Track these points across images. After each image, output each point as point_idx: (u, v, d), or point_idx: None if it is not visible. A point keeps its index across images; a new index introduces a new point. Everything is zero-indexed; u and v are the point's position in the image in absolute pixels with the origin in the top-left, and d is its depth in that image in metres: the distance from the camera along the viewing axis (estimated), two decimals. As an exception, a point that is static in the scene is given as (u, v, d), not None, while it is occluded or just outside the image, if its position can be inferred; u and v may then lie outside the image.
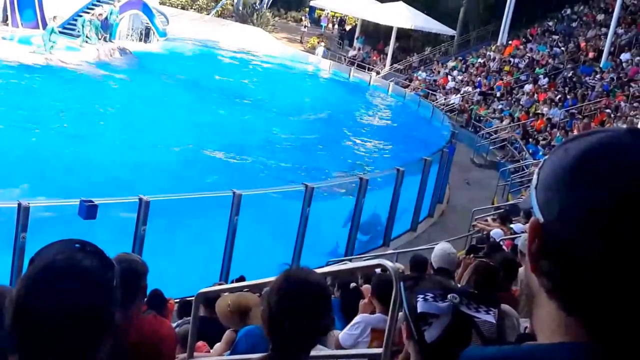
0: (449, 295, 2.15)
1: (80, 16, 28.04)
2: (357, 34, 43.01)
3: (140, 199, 9.84)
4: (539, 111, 25.87)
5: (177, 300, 7.67)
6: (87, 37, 27.23)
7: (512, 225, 11.20)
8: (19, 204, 8.81)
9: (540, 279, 0.95)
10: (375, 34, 42.04)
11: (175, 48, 33.56)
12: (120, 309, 1.45)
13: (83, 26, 27.23)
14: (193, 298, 7.73)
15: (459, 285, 4.51)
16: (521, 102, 27.58)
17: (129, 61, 28.42)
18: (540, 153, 21.68)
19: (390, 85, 33.00)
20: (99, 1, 29.71)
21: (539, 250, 0.94)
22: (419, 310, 2.13)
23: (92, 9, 28.76)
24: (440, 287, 2.19)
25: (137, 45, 30.90)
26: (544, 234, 0.93)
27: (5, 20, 27.41)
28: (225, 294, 5.40)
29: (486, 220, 13.43)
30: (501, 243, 9.47)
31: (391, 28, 37.85)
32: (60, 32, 26.42)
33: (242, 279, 6.51)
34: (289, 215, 12.56)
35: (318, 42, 42.05)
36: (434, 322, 2.14)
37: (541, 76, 29.25)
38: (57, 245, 1.47)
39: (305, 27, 44.57)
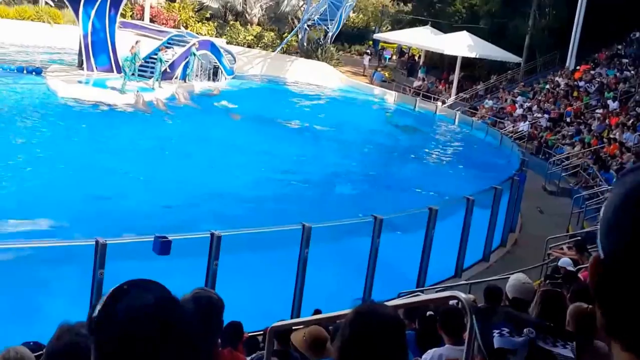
0: (525, 330, 2.08)
1: (153, 59, 29.04)
2: (420, 64, 43.08)
3: (212, 234, 9.99)
4: (611, 136, 25.18)
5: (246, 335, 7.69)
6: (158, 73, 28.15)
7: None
8: (97, 241, 9.07)
9: (600, 317, 0.91)
10: (439, 64, 41.99)
11: (243, 85, 34.32)
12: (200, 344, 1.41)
13: (159, 64, 28.18)
14: (258, 333, 7.78)
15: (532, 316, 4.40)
16: (592, 127, 26.91)
17: (202, 100, 29.15)
18: (614, 179, 21.03)
19: (457, 114, 32.74)
20: (170, 43, 30.75)
21: (597, 287, 0.91)
22: (495, 346, 2.07)
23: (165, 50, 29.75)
24: (512, 320, 2.13)
25: (205, 84, 31.76)
26: (602, 270, 0.89)
27: (80, 65, 28.67)
28: (300, 327, 5.40)
29: (562, 249, 13.09)
30: (571, 270, 9.20)
31: (455, 57, 37.72)
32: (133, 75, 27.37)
33: (318, 312, 6.51)
34: (359, 248, 12.52)
35: (376, 69, 42.62)
36: (511, 358, 2.07)
37: (610, 100, 28.52)
38: (137, 293, 1.32)
39: (369, 59, 44.88)
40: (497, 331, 2.09)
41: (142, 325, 1.27)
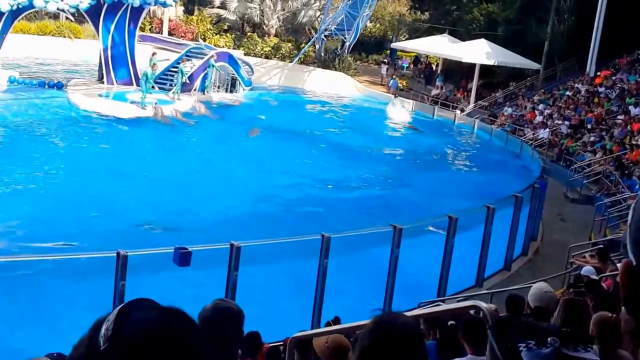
0: (549, 339, 2.06)
1: (172, 71, 29.30)
2: (438, 73, 43.01)
3: (232, 245, 9.99)
4: (633, 142, 24.90)
5: (267, 345, 7.68)
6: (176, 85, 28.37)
7: None
8: (118, 253, 9.10)
9: (628, 323, 0.91)
10: (457, 72, 41.87)
11: (261, 96, 34.47)
12: (221, 355, 1.40)
13: (180, 76, 28.43)
14: (279, 343, 7.77)
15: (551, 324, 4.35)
16: (614, 134, 26.64)
17: (222, 111, 29.31)
18: (637, 186, 20.78)
19: (476, 122, 32.60)
20: (189, 55, 30.99)
21: (627, 293, 0.90)
22: None
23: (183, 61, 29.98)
24: (533, 332, 2.10)
25: (224, 95, 31.96)
26: (632, 274, 0.89)
27: (100, 78, 28.99)
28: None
29: (584, 257, 12.94)
30: (594, 279, 9.09)
31: (473, 65, 37.60)
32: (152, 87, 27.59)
33: (337, 320, 6.48)
34: (378, 257, 12.47)
35: (392, 76, 42.62)
36: None
37: (632, 106, 28.22)
38: (141, 313, 1.30)
39: (386, 69, 44.90)
40: (523, 344, 2.05)
41: (149, 336, 1.25)
